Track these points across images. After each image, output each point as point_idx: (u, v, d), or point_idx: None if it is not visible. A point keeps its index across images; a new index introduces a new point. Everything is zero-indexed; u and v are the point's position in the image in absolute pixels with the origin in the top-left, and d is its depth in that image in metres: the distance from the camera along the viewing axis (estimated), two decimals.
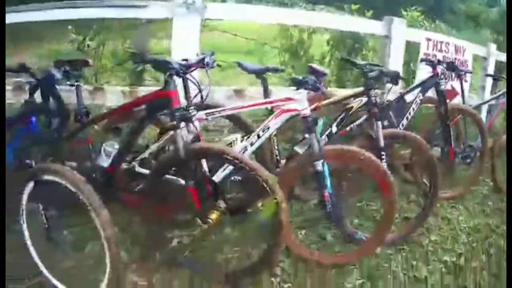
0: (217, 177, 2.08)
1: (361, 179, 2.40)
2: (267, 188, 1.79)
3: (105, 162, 2.13)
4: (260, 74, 2.56)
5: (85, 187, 1.59)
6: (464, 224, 2.69)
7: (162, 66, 1.89)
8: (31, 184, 1.75)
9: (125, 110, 2.06)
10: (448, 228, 2.63)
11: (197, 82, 1.96)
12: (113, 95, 2.78)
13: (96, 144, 2.14)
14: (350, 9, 3.87)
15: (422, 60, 3.03)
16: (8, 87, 2.53)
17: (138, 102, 2.06)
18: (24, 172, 1.87)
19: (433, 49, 3.25)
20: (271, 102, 2.21)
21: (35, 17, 2.87)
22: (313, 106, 2.25)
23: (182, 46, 2.56)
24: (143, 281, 1.87)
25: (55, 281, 1.75)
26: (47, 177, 1.69)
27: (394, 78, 2.41)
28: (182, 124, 1.85)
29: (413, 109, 2.81)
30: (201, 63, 2.02)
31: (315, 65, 2.27)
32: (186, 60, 2.00)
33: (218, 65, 2.17)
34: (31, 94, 2.14)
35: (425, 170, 2.57)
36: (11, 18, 2.55)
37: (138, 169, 2.15)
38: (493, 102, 3.55)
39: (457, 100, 3.39)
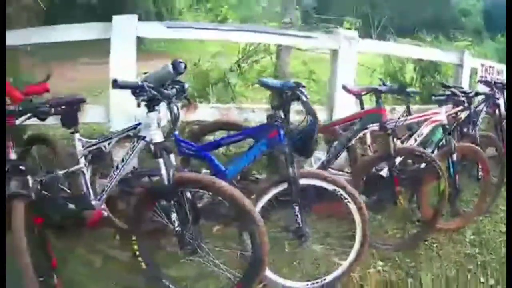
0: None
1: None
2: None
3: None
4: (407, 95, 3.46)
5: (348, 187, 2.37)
6: None
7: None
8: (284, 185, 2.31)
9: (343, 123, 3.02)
10: None
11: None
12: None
13: None
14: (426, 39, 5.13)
15: (480, 81, 4.28)
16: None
17: (354, 117, 3.02)
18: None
19: (485, 72, 4.51)
20: (426, 115, 3.27)
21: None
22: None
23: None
24: None
25: None
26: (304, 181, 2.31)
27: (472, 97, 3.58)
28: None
29: (481, 119, 4.00)
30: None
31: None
32: None
33: None
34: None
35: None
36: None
37: None
38: None
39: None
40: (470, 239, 3.23)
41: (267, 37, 3.49)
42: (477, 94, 3.62)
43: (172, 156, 2.10)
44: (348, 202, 2.36)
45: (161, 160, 2.03)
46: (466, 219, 3.37)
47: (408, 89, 3.40)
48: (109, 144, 2.35)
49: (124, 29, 2.92)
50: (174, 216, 2.05)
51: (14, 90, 2.17)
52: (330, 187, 2.34)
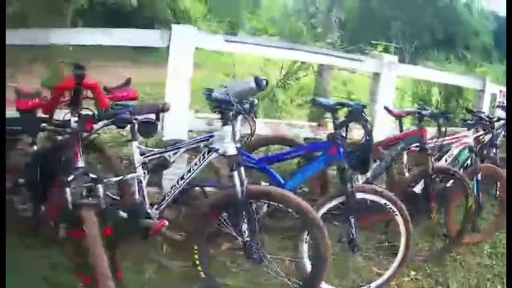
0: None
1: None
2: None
3: None
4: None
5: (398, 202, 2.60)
6: None
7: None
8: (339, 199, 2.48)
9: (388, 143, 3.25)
10: None
11: None
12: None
13: None
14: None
15: (498, 107, 4.58)
16: None
17: (398, 138, 3.23)
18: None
19: (503, 98, 4.81)
20: (456, 138, 3.51)
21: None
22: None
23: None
24: None
25: None
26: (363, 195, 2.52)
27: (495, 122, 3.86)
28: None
29: (499, 142, 4.28)
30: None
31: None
32: None
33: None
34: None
35: None
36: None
37: None
38: None
39: None
40: (488, 251, 3.49)
41: (318, 57, 3.70)
42: (499, 119, 3.90)
43: (242, 169, 2.16)
44: (396, 215, 2.58)
45: (235, 173, 2.12)
46: (486, 235, 3.62)
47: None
48: (174, 154, 2.38)
49: (183, 39, 3.03)
50: (245, 226, 2.14)
51: (103, 95, 2.08)
52: (382, 201, 2.54)
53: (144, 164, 2.40)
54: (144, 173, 2.40)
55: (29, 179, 2.28)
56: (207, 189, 2.63)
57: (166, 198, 2.40)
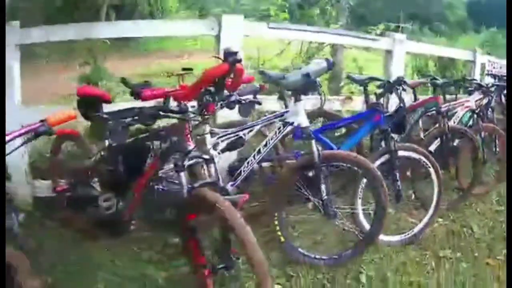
0: None
1: None
2: None
3: None
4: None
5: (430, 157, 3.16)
6: None
7: None
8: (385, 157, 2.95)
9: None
10: None
11: None
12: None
13: None
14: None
15: (487, 74, 5.15)
16: None
17: (419, 104, 3.68)
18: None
19: (491, 67, 5.39)
20: (461, 102, 4.01)
21: None
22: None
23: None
24: None
25: None
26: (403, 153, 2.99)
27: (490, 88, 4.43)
28: None
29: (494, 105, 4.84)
30: None
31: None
32: None
33: None
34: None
35: None
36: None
37: None
38: None
39: None
40: (496, 200, 4.05)
41: (342, 38, 4.20)
42: (493, 85, 4.45)
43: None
44: (430, 168, 3.07)
45: (312, 141, 2.52)
46: (492, 186, 4.19)
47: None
48: (249, 132, 2.59)
49: (233, 27, 3.35)
50: (323, 186, 2.50)
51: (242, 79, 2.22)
52: (417, 156, 3.04)
53: (216, 145, 2.48)
54: (219, 153, 2.44)
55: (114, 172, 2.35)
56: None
57: (242, 173, 2.60)
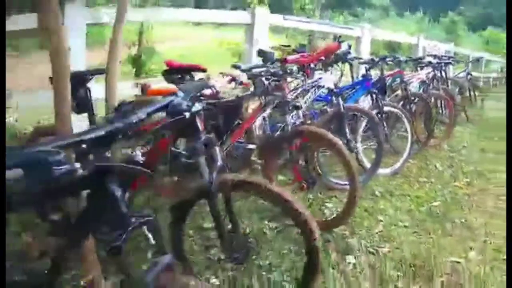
0: None
1: None
2: None
3: None
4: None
5: (404, 111, 4.41)
6: None
7: None
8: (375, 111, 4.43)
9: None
10: None
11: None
12: None
13: None
14: None
15: (428, 55, 6.48)
16: None
17: (391, 75, 4.87)
18: None
19: (431, 48, 6.72)
20: (415, 75, 5.27)
21: None
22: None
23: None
24: None
25: None
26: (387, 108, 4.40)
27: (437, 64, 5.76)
28: None
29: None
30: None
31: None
32: None
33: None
34: None
35: None
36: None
37: None
38: None
39: None
40: (447, 149, 5.37)
41: (327, 28, 5.30)
42: (438, 63, 5.75)
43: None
44: (405, 119, 4.22)
45: (339, 98, 3.48)
46: (442, 139, 5.49)
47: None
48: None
49: (263, 17, 4.39)
50: (347, 129, 3.47)
51: None
52: (396, 111, 4.18)
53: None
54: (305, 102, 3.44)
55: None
56: None
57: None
